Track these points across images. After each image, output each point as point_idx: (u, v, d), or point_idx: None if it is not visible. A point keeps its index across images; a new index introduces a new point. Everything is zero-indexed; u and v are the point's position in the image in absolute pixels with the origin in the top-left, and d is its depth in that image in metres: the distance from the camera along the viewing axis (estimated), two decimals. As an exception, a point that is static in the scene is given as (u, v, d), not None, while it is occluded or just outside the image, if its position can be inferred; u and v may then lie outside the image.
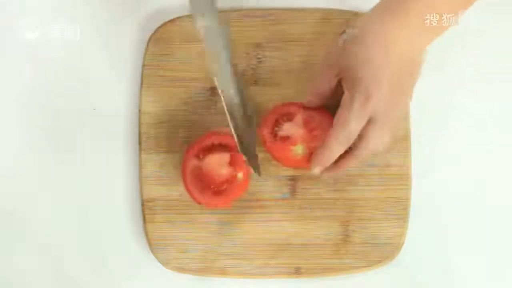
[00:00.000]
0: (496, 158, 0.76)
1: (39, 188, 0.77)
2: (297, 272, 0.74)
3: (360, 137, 0.66)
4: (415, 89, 0.66)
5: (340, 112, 0.66)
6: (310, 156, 0.70)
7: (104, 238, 0.76)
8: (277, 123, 0.72)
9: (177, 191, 0.75)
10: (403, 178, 0.74)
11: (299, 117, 0.72)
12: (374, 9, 0.66)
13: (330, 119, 0.68)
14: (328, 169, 0.69)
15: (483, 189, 0.75)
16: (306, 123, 0.71)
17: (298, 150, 0.71)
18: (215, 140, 0.73)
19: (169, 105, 0.76)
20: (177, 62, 0.77)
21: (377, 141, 0.66)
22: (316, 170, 0.69)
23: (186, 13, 0.77)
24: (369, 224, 0.74)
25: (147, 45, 0.77)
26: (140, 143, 0.76)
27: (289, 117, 0.72)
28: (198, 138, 0.73)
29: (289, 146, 0.71)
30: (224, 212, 0.75)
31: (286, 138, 0.71)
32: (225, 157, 0.72)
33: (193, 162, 0.72)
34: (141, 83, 0.77)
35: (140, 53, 0.78)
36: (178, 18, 0.78)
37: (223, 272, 0.74)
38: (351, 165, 0.69)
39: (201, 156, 0.72)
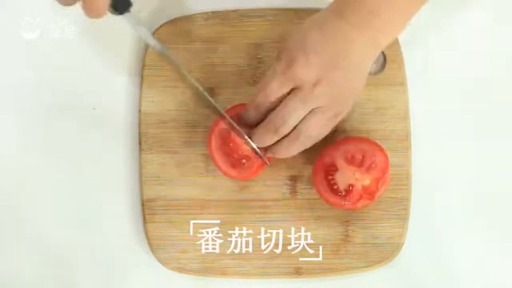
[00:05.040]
0: (496, 158, 0.76)
1: (39, 188, 0.77)
2: (297, 272, 0.74)
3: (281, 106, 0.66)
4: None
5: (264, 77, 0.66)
6: (370, 187, 0.71)
7: (104, 238, 0.76)
8: (326, 177, 0.72)
9: (177, 191, 0.75)
10: (403, 178, 0.74)
11: (342, 162, 0.71)
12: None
13: (364, 141, 0.71)
14: (269, 149, 0.69)
15: (483, 189, 0.75)
16: (350, 161, 0.71)
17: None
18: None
19: (169, 105, 0.76)
20: (177, 62, 0.77)
21: (298, 112, 0.65)
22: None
23: (186, 13, 0.77)
24: (369, 224, 0.74)
25: (147, 45, 0.77)
26: (140, 143, 0.76)
27: (334, 167, 0.72)
28: (234, 105, 0.73)
29: (356, 197, 0.71)
30: (224, 212, 0.75)
31: (348, 190, 0.71)
32: None
33: (222, 125, 0.72)
34: (141, 83, 0.77)
35: (140, 53, 0.78)
36: (178, 18, 0.78)
37: (223, 272, 0.74)
38: (268, 139, 0.68)
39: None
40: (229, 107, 0.73)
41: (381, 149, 0.71)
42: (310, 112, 0.66)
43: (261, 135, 0.68)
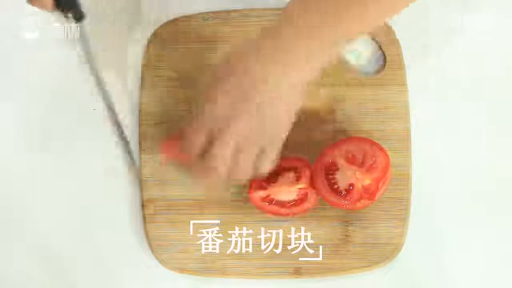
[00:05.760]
0: (496, 159, 0.76)
1: (39, 188, 0.77)
2: (297, 272, 0.74)
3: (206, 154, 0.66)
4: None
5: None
6: (371, 187, 0.71)
7: (104, 238, 0.76)
8: (327, 177, 0.72)
9: (177, 191, 0.75)
10: (403, 178, 0.74)
11: (342, 162, 0.71)
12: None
13: (365, 141, 0.71)
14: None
15: (483, 189, 0.75)
16: (351, 161, 0.71)
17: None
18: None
19: (169, 105, 0.76)
20: (177, 62, 0.77)
21: (220, 157, 0.65)
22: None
23: (186, 13, 0.77)
24: (369, 224, 0.74)
25: (147, 45, 0.77)
26: (140, 143, 0.76)
27: (335, 167, 0.72)
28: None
29: (357, 197, 0.71)
30: (224, 212, 0.75)
31: (349, 190, 0.71)
32: (291, 178, 0.73)
33: (260, 194, 0.73)
34: (141, 83, 0.77)
35: (140, 53, 0.78)
36: (178, 18, 0.78)
37: (223, 272, 0.74)
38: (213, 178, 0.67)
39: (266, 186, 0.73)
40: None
41: (382, 149, 0.71)
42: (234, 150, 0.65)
43: (202, 177, 0.68)
